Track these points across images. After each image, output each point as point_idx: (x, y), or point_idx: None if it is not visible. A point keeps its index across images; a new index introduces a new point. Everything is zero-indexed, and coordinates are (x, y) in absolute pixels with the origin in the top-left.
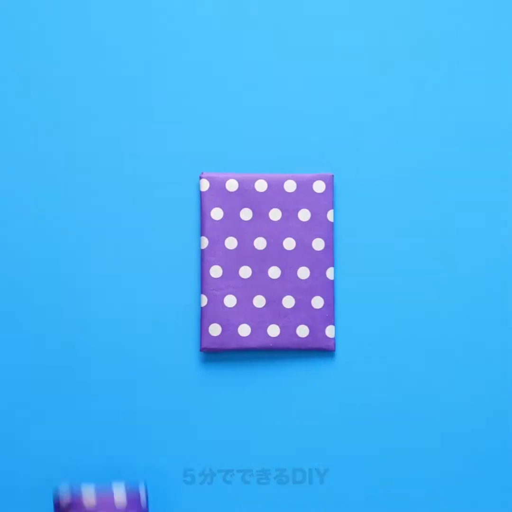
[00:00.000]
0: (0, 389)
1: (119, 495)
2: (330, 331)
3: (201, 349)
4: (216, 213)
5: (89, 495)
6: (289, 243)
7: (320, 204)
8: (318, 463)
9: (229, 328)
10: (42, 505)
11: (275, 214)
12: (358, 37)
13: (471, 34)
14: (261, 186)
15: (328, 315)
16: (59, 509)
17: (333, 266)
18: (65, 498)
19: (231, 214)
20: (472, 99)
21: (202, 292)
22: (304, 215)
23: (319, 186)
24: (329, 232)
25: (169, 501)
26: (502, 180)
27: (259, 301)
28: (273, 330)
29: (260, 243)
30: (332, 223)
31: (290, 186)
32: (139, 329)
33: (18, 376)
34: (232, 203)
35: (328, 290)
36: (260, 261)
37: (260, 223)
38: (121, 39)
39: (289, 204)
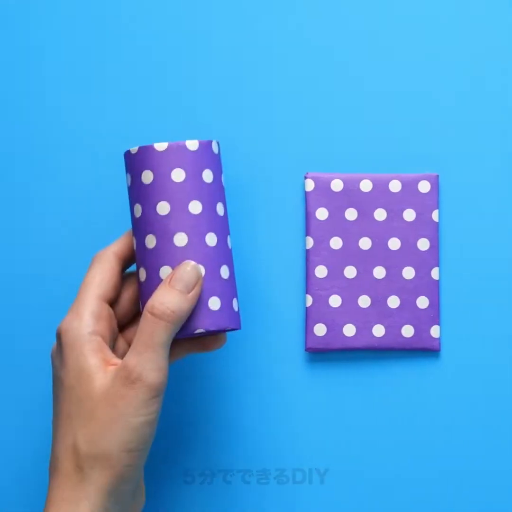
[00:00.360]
0: None
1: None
2: (435, 331)
3: (306, 349)
4: (321, 213)
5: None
6: (394, 243)
7: (425, 204)
8: (318, 463)
9: (334, 328)
10: None
11: (380, 214)
12: (463, 34)
13: None
14: (366, 186)
15: (433, 315)
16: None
17: (438, 266)
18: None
19: (336, 214)
20: None
21: (307, 292)
22: (409, 215)
23: (424, 186)
24: (434, 232)
25: (169, 501)
26: None
27: (364, 301)
28: (378, 330)
29: (365, 243)
30: (437, 223)
31: (395, 186)
32: (246, 328)
33: None
34: (337, 203)
35: (433, 290)
36: (365, 261)
37: (365, 223)
38: (228, 42)
39: (394, 204)
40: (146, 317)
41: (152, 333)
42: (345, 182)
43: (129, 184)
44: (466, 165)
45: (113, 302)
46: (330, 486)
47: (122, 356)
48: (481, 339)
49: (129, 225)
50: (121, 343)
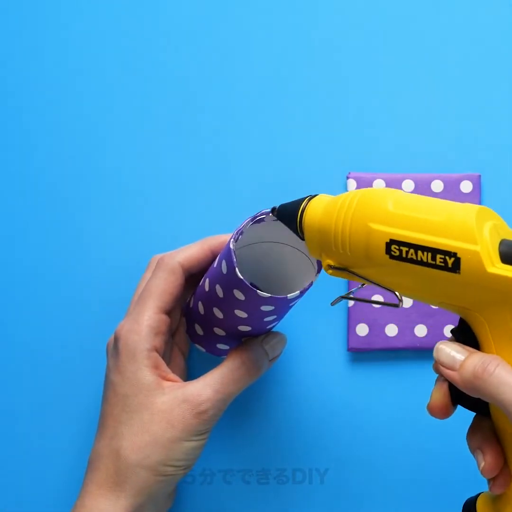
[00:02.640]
0: None
1: None
2: None
3: (349, 349)
4: None
5: None
6: None
7: None
8: (318, 463)
9: (376, 328)
10: None
11: None
12: (507, 32)
13: None
14: (408, 186)
15: None
16: None
17: None
18: None
19: None
20: None
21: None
22: None
23: (466, 186)
24: None
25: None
26: None
27: (406, 301)
28: (420, 330)
29: None
30: None
31: (437, 186)
32: (287, 329)
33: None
34: None
35: None
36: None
37: None
38: (271, 42)
39: None
40: (241, 364)
41: (239, 380)
42: (387, 182)
43: (224, 272)
44: (508, 164)
45: (170, 311)
46: (330, 486)
47: (173, 361)
48: None
49: (186, 229)
50: (175, 350)
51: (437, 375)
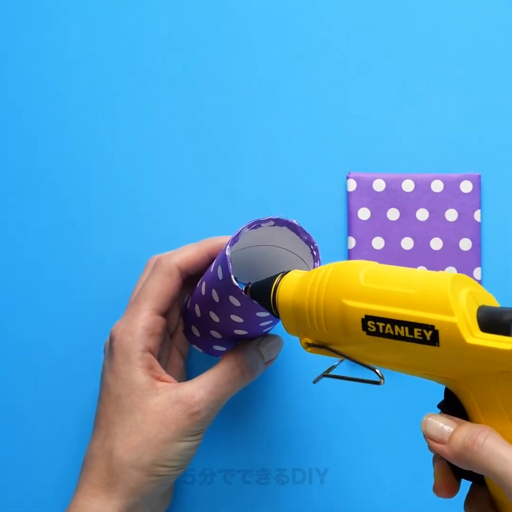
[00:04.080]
0: None
1: None
2: None
3: None
4: (363, 213)
5: None
6: (436, 243)
7: (467, 204)
8: (318, 463)
9: None
10: None
11: (422, 214)
12: (506, 32)
13: None
14: (408, 186)
15: None
16: None
17: (480, 266)
18: None
19: (378, 214)
20: None
21: None
22: (451, 215)
23: (466, 186)
24: (476, 232)
25: (170, 501)
26: None
27: None
28: None
29: (407, 243)
30: (479, 223)
31: (437, 186)
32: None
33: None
34: (379, 203)
35: None
36: (407, 261)
37: (407, 223)
38: (272, 43)
39: (436, 204)
40: (235, 366)
41: (233, 382)
42: (387, 182)
43: (220, 277)
44: (508, 164)
45: (167, 312)
46: (330, 486)
47: (171, 362)
48: None
49: (185, 230)
50: (174, 350)
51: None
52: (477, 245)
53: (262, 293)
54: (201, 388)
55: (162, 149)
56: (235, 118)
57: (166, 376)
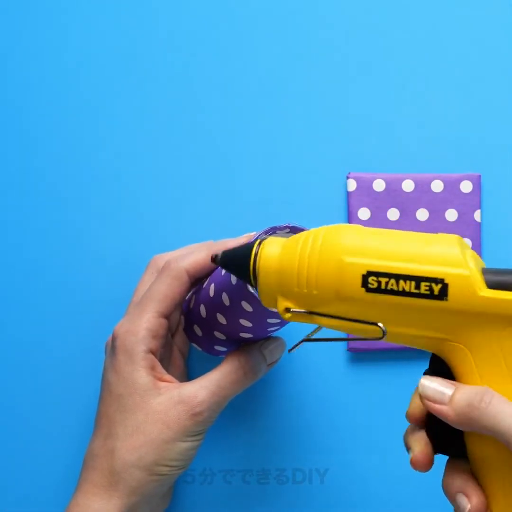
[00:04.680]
0: None
1: None
2: None
3: (348, 349)
4: (363, 213)
5: None
6: None
7: (467, 204)
8: (318, 463)
9: None
10: None
11: (422, 214)
12: (506, 31)
13: None
14: (408, 186)
15: None
16: None
17: None
18: None
19: (378, 214)
20: None
21: None
22: (451, 215)
23: (466, 186)
24: (476, 232)
25: (169, 501)
26: None
27: None
28: None
29: None
30: (479, 223)
31: (437, 186)
32: (288, 329)
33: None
34: (379, 203)
35: None
36: None
37: (407, 223)
38: (270, 43)
39: (436, 204)
40: (238, 367)
41: (235, 384)
42: (387, 182)
43: (233, 282)
44: (508, 164)
45: (170, 315)
46: (330, 486)
47: (172, 362)
48: None
49: (185, 230)
50: (175, 350)
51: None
52: (477, 245)
53: (237, 260)
54: (204, 389)
55: (162, 149)
56: (235, 118)
57: (168, 377)
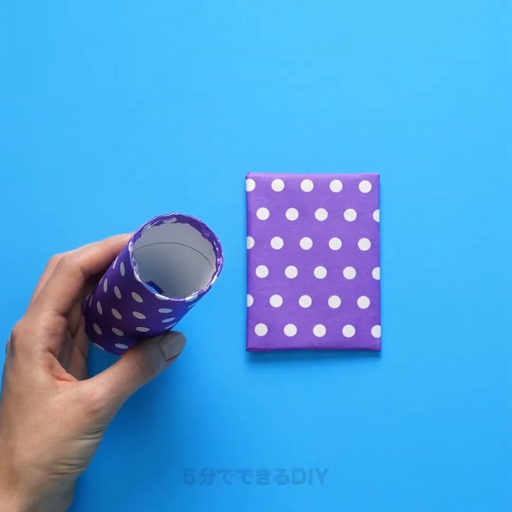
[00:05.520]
0: None
1: None
2: (376, 331)
3: (247, 349)
4: (262, 213)
5: None
6: (335, 243)
7: (366, 204)
8: (318, 463)
9: (275, 328)
10: None
11: (321, 214)
12: (408, 35)
13: None
14: (307, 186)
15: (374, 315)
16: None
17: (379, 266)
18: None
19: (277, 214)
20: None
21: (248, 292)
22: (350, 215)
23: (365, 186)
24: (375, 232)
25: (169, 501)
26: None
27: (305, 301)
28: (319, 330)
29: (306, 243)
30: (378, 223)
31: (336, 186)
32: (186, 328)
33: None
34: (278, 203)
35: (374, 290)
36: (306, 261)
37: (306, 223)
38: (167, 39)
39: (335, 204)
40: (135, 363)
41: (133, 380)
42: (286, 182)
43: (122, 274)
44: (406, 165)
45: (69, 312)
46: (330, 486)
47: (73, 361)
48: (421, 339)
49: (84, 229)
50: (75, 349)
51: (335, 375)
52: (376, 245)
53: None
54: (101, 386)
55: (54, 145)
56: (133, 115)
57: (67, 375)
